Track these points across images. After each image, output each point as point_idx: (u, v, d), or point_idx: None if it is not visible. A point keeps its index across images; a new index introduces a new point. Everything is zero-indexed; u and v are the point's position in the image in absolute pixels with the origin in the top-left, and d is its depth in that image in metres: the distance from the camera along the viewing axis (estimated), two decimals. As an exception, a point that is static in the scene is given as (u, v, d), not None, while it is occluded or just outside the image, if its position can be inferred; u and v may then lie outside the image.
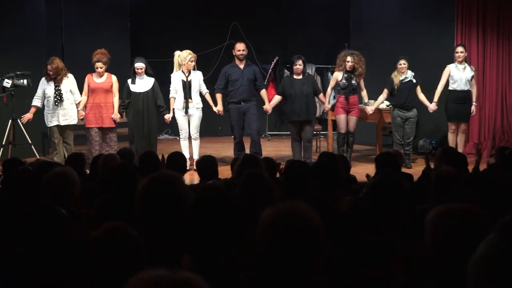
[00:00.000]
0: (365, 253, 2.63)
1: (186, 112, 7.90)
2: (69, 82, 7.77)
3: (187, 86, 7.85)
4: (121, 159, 4.70)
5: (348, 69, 7.97)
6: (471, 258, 1.35)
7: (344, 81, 8.00)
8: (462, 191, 2.93)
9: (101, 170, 4.48)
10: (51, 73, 7.62)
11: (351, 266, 2.54)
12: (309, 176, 4.13)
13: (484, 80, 9.27)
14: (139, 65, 7.79)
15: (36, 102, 7.75)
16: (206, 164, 4.71)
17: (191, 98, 7.88)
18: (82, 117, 7.85)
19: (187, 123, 7.96)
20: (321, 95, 8.13)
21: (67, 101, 7.72)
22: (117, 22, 11.11)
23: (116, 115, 7.83)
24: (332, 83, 8.30)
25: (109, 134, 7.84)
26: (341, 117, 8.06)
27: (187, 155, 7.93)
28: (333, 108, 8.22)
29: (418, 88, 8.14)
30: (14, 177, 4.00)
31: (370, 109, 8.25)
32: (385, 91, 8.19)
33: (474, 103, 8.22)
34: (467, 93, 8.14)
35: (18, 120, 7.90)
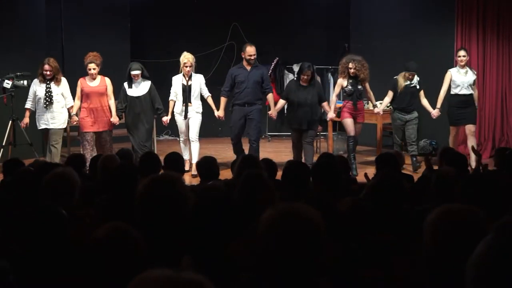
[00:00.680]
0: (365, 253, 2.63)
1: (185, 117, 7.85)
2: (61, 85, 7.60)
3: (186, 91, 7.80)
4: (121, 160, 4.70)
5: (351, 75, 7.84)
6: (470, 258, 1.36)
7: (350, 87, 7.85)
8: (462, 192, 2.92)
9: (100, 170, 4.48)
10: (49, 72, 7.45)
11: (351, 266, 2.54)
12: (308, 176, 4.14)
13: (484, 81, 9.26)
14: (135, 73, 7.64)
15: (29, 104, 7.60)
16: (207, 165, 4.72)
17: (190, 103, 7.81)
18: (75, 123, 7.73)
19: (187, 127, 7.92)
20: (325, 104, 7.95)
21: (58, 104, 7.54)
22: (117, 22, 11.11)
23: (114, 119, 7.69)
24: (337, 90, 8.08)
25: (104, 136, 7.68)
26: (348, 121, 7.89)
27: (186, 156, 7.95)
28: (339, 114, 8.06)
29: (422, 93, 8.04)
30: (15, 177, 4.00)
31: (379, 110, 8.18)
32: (390, 93, 8.10)
33: (476, 107, 8.16)
34: (470, 96, 8.00)
35: (18, 121, 7.89)
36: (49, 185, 3.31)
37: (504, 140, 9.36)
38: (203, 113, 8.00)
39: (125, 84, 7.76)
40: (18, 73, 7.94)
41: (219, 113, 7.99)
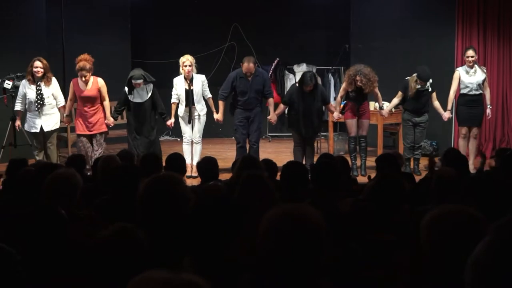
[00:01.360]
0: (366, 254, 2.63)
1: (189, 122, 7.83)
2: (52, 85, 7.49)
3: (189, 95, 7.76)
4: (122, 161, 4.70)
5: (357, 87, 7.72)
6: (469, 259, 1.36)
7: (354, 94, 7.80)
8: (464, 192, 2.93)
9: (100, 171, 4.49)
10: (40, 70, 7.28)
11: (352, 266, 2.54)
12: (307, 177, 4.14)
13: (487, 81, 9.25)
14: (138, 81, 7.52)
15: (19, 106, 7.48)
16: (207, 165, 4.72)
17: (193, 105, 7.77)
18: (67, 124, 7.69)
19: (191, 128, 7.90)
20: (330, 105, 7.95)
21: (49, 106, 7.45)
22: (117, 23, 11.12)
23: (109, 120, 7.61)
24: (341, 93, 8.01)
25: (98, 137, 7.56)
26: (350, 121, 7.88)
27: (188, 160, 7.82)
28: (342, 112, 8.01)
29: (434, 95, 7.88)
30: (16, 178, 4.01)
31: (384, 112, 8.10)
32: (399, 94, 7.93)
33: (489, 106, 7.94)
34: (479, 96, 7.86)
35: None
36: (51, 186, 3.31)
37: (505, 140, 9.36)
38: (206, 116, 7.98)
39: (126, 89, 7.66)
40: (18, 74, 7.93)
41: (218, 116, 7.95)
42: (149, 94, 7.68)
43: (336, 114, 7.99)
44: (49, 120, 7.49)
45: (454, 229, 1.84)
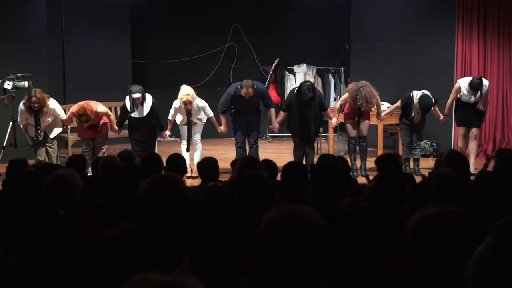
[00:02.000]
0: (366, 254, 2.63)
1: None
2: (50, 112, 7.45)
3: (190, 128, 7.94)
4: (123, 161, 4.70)
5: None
6: (470, 259, 1.36)
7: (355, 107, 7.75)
8: (464, 193, 2.93)
9: (101, 172, 4.48)
10: (36, 105, 7.21)
11: (352, 267, 2.54)
12: (307, 178, 4.14)
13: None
14: (137, 96, 7.53)
15: (20, 120, 7.58)
16: (207, 166, 4.72)
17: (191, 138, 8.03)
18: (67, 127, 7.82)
19: (190, 132, 8.04)
20: (328, 110, 7.99)
21: (48, 128, 7.56)
22: (117, 24, 11.12)
23: (115, 130, 7.77)
24: (341, 102, 8.02)
25: (98, 139, 7.65)
26: (350, 122, 7.90)
27: (188, 161, 7.92)
28: (342, 111, 8.04)
29: (436, 108, 7.89)
30: (16, 178, 4.01)
31: (381, 118, 8.15)
32: (399, 104, 7.93)
33: (484, 111, 7.94)
34: (477, 102, 7.77)
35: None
36: (50, 186, 3.31)
37: (505, 141, 9.35)
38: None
39: (127, 103, 7.65)
40: (18, 74, 7.94)
41: (222, 128, 8.07)
42: (148, 111, 7.70)
43: (334, 120, 8.04)
44: (50, 131, 7.62)
45: (439, 230, 1.83)
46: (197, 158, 7.84)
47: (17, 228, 2.55)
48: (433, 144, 9.39)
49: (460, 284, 1.53)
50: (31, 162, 5.98)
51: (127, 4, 11.32)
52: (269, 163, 4.71)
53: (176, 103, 7.91)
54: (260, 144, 8.15)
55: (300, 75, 11.54)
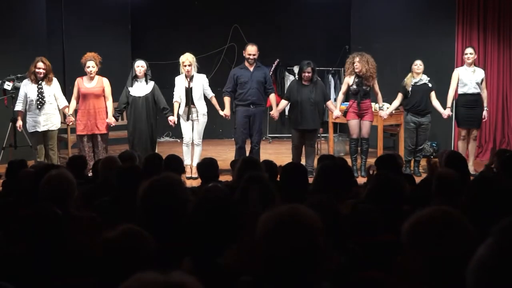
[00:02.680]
0: (366, 255, 2.63)
1: (188, 119, 7.77)
2: (53, 86, 7.45)
3: (189, 93, 7.71)
4: (123, 162, 4.70)
5: (356, 71, 7.74)
6: (471, 261, 1.35)
7: (354, 86, 7.77)
8: (465, 194, 2.92)
9: (101, 172, 4.48)
10: (42, 70, 7.24)
11: (353, 268, 2.54)
12: (307, 178, 4.14)
13: (485, 82, 9.24)
14: (140, 63, 7.58)
15: (19, 107, 7.40)
16: (207, 167, 4.72)
17: (193, 105, 7.73)
18: (71, 123, 7.65)
19: (191, 129, 7.85)
20: (329, 102, 7.94)
21: (50, 106, 7.40)
22: (117, 24, 11.12)
23: (110, 119, 7.56)
24: (343, 88, 8.00)
25: (99, 139, 7.56)
26: (353, 122, 7.85)
27: (188, 162, 7.85)
28: (345, 113, 7.95)
29: (433, 94, 7.88)
30: (16, 179, 4.01)
31: (384, 114, 8.05)
32: (399, 95, 7.95)
33: (485, 108, 7.93)
34: (478, 96, 7.84)
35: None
36: (45, 187, 3.31)
37: (505, 141, 9.35)
38: (207, 116, 7.95)
39: (128, 85, 7.64)
40: (18, 75, 7.93)
41: (226, 111, 7.89)
42: (149, 90, 7.64)
43: (336, 112, 7.93)
44: (49, 120, 7.43)
45: (434, 232, 1.83)
46: (196, 159, 7.79)
47: (16, 228, 2.55)
48: (433, 144, 9.38)
49: (460, 285, 1.53)
50: (30, 163, 5.98)
51: (127, 5, 11.32)
52: (269, 164, 4.71)
53: (177, 78, 7.84)
54: (260, 145, 8.10)
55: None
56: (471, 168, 7.32)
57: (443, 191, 3.44)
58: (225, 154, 9.21)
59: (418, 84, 7.84)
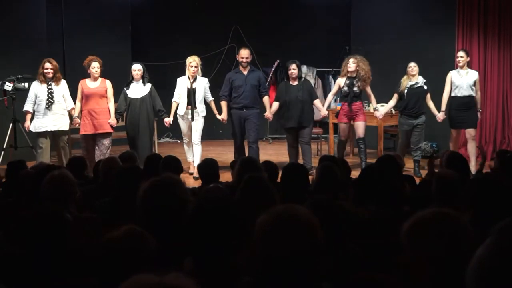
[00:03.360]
0: (367, 256, 2.63)
1: (193, 119, 7.82)
2: (62, 87, 7.53)
3: (191, 94, 7.78)
4: (124, 162, 4.70)
5: (349, 72, 7.87)
6: (471, 262, 1.36)
7: (345, 88, 7.90)
8: (465, 195, 2.92)
9: (101, 173, 4.48)
10: (50, 71, 7.36)
11: (353, 269, 2.54)
12: (307, 179, 4.14)
13: (485, 83, 9.26)
14: (136, 67, 7.70)
15: (28, 107, 7.44)
16: (208, 168, 4.72)
17: (195, 106, 7.80)
18: (77, 125, 7.68)
19: (190, 129, 7.92)
20: (316, 101, 7.99)
21: (59, 106, 7.46)
22: (118, 26, 11.14)
23: (113, 120, 7.60)
24: (334, 89, 8.18)
25: (102, 140, 7.58)
26: (342, 125, 8.01)
27: (191, 158, 8.04)
28: (337, 114, 8.08)
29: (428, 96, 7.97)
30: (16, 180, 4.01)
31: (379, 114, 8.15)
32: (395, 96, 8.05)
33: (479, 110, 8.01)
34: (470, 98, 7.89)
35: (19, 123, 7.90)
36: (47, 188, 3.31)
37: (505, 142, 9.35)
38: (204, 116, 8.00)
39: (125, 88, 7.74)
40: (19, 76, 7.95)
41: (223, 116, 8.01)
42: (147, 92, 7.72)
43: (323, 111, 8.03)
44: (58, 120, 7.48)
45: (433, 234, 1.84)
46: (197, 159, 7.83)
47: (18, 228, 2.54)
48: (433, 145, 9.38)
49: (459, 286, 1.53)
50: (31, 163, 5.97)
51: (127, 6, 11.34)
52: (269, 165, 4.71)
53: (179, 78, 7.92)
54: (260, 146, 8.12)
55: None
56: (472, 168, 7.32)
57: (443, 192, 3.44)
58: (225, 155, 9.22)
59: (414, 87, 7.94)
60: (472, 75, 7.95)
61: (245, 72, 7.94)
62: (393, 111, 8.46)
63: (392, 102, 8.12)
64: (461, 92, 7.89)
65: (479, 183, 2.95)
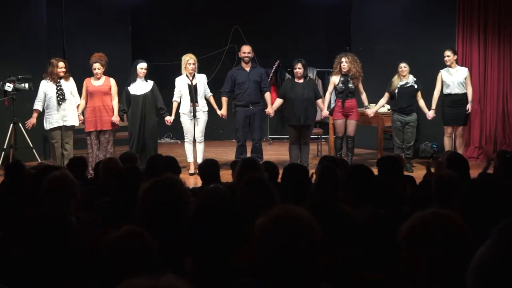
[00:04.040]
0: (367, 256, 2.63)
1: (194, 116, 7.88)
2: (70, 83, 7.72)
3: (193, 90, 7.84)
4: (125, 163, 4.70)
5: (343, 71, 8.01)
6: (471, 262, 1.36)
7: (341, 85, 8.05)
8: (465, 195, 2.92)
9: (102, 173, 4.48)
10: (64, 69, 7.59)
11: (352, 270, 2.54)
12: (308, 179, 4.14)
13: (485, 83, 9.26)
14: (143, 65, 7.77)
15: (38, 105, 7.58)
16: (208, 168, 4.72)
17: (197, 102, 7.86)
18: (81, 122, 7.78)
19: (193, 127, 7.95)
20: (319, 101, 8.07)
21: (68, 102, 7.63)
22: (118, 26, 11.13)
23: (116, 118, 7.73)
24: (330, 88, 8.28)
25: (107, 136, 7.72)
26: (338, 122, 8.15)
27: (191, 159, 8.04)
28: (331, 112, 8.23)
29: (419, 94, 8.20)
30: (17, 181, 4.01)
31: (370, 112, 8.31)
32: (386, 95, 8.27)
33: (470, 102, 8.22)
34: (463, 96, 8.17)
35: (20, 124, 7.91)
36: (48, 189, 3.30)
37: (506, 143, 9.34)
38: (207, 114, 8.08)
39: (128, 86, 7.80)
40: (19, 76, 7.96)
41: (222, 111, 8.12)
42: (149, 89, 7.79)
43: (324, 112, 8.15)
44: (68, 116, 7.65)
45: (431, 235, 1.84)
46: (200, 156, 7.95)
47: (24, 232, 2.54)
48: (433, 146, 9.38)
49: (458, 286, 1.53)
50: (31, 164, 5.98)
51: (127, 6, 11.34)
52: (270, 165, 4.72)
53: (178, 78, 7.97)
54: (261, 142, 8.24)
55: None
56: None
57: (442, 192, 3.44)
58: (225, 155, 9.22)
59: (404, 86, 8.16)
60: (462, 73, 8.19)
61: (247, 69, 8.05)
62: (388, 109, 8.55)
63: (383, 100, 8.33)
64: (453, 90, 8.14)
65: (479, 184, 2.95)
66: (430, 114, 8.19)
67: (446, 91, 8.17)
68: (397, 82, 8.13)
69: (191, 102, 7.85)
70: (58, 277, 2.33)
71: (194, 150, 8.09)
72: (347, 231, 2.78)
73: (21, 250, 2.46)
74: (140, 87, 7.79)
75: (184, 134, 8.11)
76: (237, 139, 8.13)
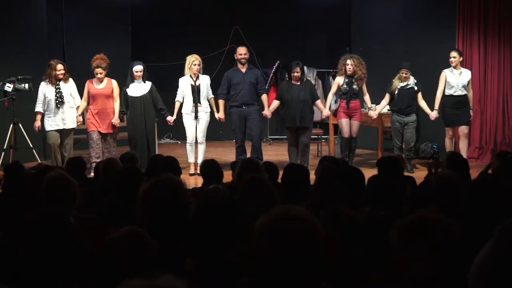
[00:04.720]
0: (367, 257, 2.63)
1: (196, 117, 7.89)
2: (70, 84, 7.72)
3: (195, 91, 7.84)
4: (125, 163, 4.70)
5: (348, 72, 7.98)
6: (473, 262, 1.36)
7: (345, 86, 8.03)
8: (466, 196, 2.92)
9: (102, 174, 4.48)
10: (63, 71, 7.58)
11: (353, 270, 2.54)
12: (308, 180, 4.15)
13: (485, 84, 9.26)
14: (138, 68, 7.75)
15: (39, 107, 7.60)
16: (209, 168, 4.72)
17: (200, 103, 7.87)
18: (79, 123, 7.81)
19: (195, 128, 7.95)
20: (318, 102, 8.07)
21: (67, 104, 7.64)
22: (118, 27, 11.13)
23: (116, 120, 7.75)
24: (333, 88, 8.27)
25: (109, 139, 7.75)
26: (343, 121, 8.10)
27: (192, 160, 8.03)
28: (335, 113, 8.21)
29: (419, 95, 8.15)
30: (17, 181, 4.00)
31: (373, 113, 8.27)
32: (387, 96, 8.24)
33: (471, 108, 8.22)
34: (464, 97, 8.14)
35: (20, 124, 7.91)
36: (49, 189, 3.30)
37: (506, 143, 9.34)
38: (210, 115, 8.10)
39: (126, 87, 7.80)
40: (19, 77, 7.96)
41: (220, 115, 8.13)
42: (147, 90, 7.79)
43: (325, 112, 8.14)
44: (67, 118, 7.66)
45: (426, 237, 1.84)
46: (201, 156, 7.95)
47: (24, 233, 2.54)
48: (434, 146, 9.38)
49: (457, 286, 1.53)
50: (31, 164, 5.97)
51: (127, 7, 11.33)
52: (270, 165, 4.71)
53: (182, 78, 7.97)
54: (261, 142, 8.24)
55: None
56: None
57: (443, 193, 3.44)
58: (225, 156, 9.22)
59: (405, 88, 8.13)
60: (466, 75, 8.16)
61: (244, 70, 8.06)
62: (387, 111, 8.56)
63: (384, 101, 8.30)
64: (456, 92, 8.09)
65: (479, 184, 2.95)
66: (433, 114, 8.13)
67: (449, 92, 8.11)
68: (397, 83, 8.10)
69: (193, 103, 7.85)
70: (58, 277, 2.32)
71: (196, 151, 8.07)
72: (347, 231, 2.78)
73: (21, 250, 2.46)
74: (138, 88, 7.80)
75: (186, 135, 8.10)
76: (235, 140, 8.15)
